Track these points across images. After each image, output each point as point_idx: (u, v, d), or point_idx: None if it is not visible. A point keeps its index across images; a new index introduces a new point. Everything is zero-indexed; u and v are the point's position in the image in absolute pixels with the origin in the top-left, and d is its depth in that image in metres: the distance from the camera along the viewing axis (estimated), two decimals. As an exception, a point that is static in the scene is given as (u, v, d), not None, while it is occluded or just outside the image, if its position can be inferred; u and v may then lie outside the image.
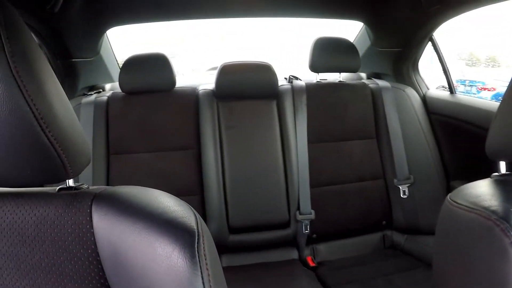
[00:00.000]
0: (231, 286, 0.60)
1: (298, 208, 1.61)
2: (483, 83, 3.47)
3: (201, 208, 1.58)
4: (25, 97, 0.45)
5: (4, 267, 0.50)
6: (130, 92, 1.63)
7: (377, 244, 1.72)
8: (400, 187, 1.69)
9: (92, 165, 1.54)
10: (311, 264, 1.59)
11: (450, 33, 1.90)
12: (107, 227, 0.49)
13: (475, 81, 3.50)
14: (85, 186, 0.56)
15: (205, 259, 0.47)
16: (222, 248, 1.59)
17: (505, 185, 0.65)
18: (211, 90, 1.70)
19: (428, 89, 1.91)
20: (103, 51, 1.82)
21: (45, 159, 0.49)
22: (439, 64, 1.81)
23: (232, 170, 1.60)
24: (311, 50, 1.71)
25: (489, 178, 0.69)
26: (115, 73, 1.67)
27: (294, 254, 1.65)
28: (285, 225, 1.63)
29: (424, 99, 1.82)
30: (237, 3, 1.71)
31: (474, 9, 1.50)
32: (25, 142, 0.47)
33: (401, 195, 1.69)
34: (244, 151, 1.62)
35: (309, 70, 1.75)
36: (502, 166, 0.69)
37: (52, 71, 0.51)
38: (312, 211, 1.61)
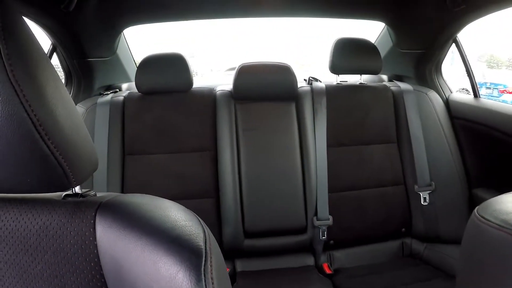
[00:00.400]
0: None
1: (316, 214, 1.57)
2: (505, 85, 3.37)
3: (216, 212, 1.56)
4: (22, 102, 0.42)
5: (6, 275, 0.49)
6: (147, 92, 1.61)
7: (395, 252, 1.67)
8: (421, 194, 1.64)
9: (106, 165, 1.53)
10: (328, 271, 1.55)
11: (471, 34, 1.84)
12: (110, 241, 0.47)
13: (496, 83, 3.41)
14: (92, 192, 0.54)
15: (212, 283, 0.43)
16: (237, 252, 1.57)
17: None
18: (228, 91, 1.67)
19: (451, 92, 1.85)
20: (119, 51, 1.81)
21: (46, 167, 0.46)
22: (459, 66, 1.76)
23: (248, 173, 1.58)
24: (331, 51, 1.67)
25: None
26: (133, 72, 1.66)
27: (310, 261, 1.61)
28: (301, 230, 1.59)
29: (447, 103, 1.76)
30: (257, 3, 1.67)
31: (501, 10, 1.44)
32: (23, 150, 0.44)
33: (422, 202, 1.63)
34: (262, 154, 1.59)
35: (329, 72, 1.71)
36: None
37: (56, 73, 0.48)
38: (330, 217, 1.57)
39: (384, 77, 1.99)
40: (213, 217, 1.55)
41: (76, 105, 1.63)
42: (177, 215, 0.50)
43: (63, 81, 1.75)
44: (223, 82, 1.78)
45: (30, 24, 1.39)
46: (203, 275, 0.43)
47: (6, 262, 0.49)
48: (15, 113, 0.42)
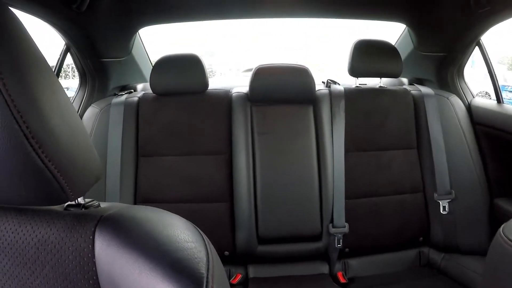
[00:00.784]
0: None
1: (332, 221, 1.54)
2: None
3: (230, 216, 1.53)
4: (12, 113, 0.39)
5: (5, 287, 0.47)
6: (161, 93, 1.59)
7: (412, 262, 1.63)
8: (440, 202, 1.58)
9: (120, 167, 1.52)
10: (342, 280, 1.52)
11: (491, 36, 1.77)
12: (109, 259, 0.44)
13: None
14: (95, 203, 0.51)
15: None
16: (250, 258, 1.55)
17: None
18: (245, 93, 1.64)
19: (473, 97, 1.79)
20: (135, 51, 1.80)
21: (40, 181, 0.43)
22: (479, 69, 1.70)
23: (264, 178, 1.55)
24: (351, 53, 1.63)
25: None
26: (148, 73, 1.65)
27: (324, 269, 1.58)
28: (316, 237, 1.56)
29: (469, 108, 1.71)
30: (275, 3, 1.64)
31: None
32: (17, 163, 0.42)
33: (441, 211, 1.58)
34: (278, 158, 1.56)
35: (348, 74, 1.67)
36: None
37: (54, 79, 0.45)
38: (346, 224, 1.53)
39: (404, 80, 1.94)
40: (226, 222, 1.53)
41: (90, 105, 1.62)
42: (180, 235, 0.46)
43: (77, 81, 1.74)
44: (239, 84, 1.75)
45: (42, 24, 1.38)
46: None
47: (5, 274, 0.47)
48: (6, 125, 0.39)
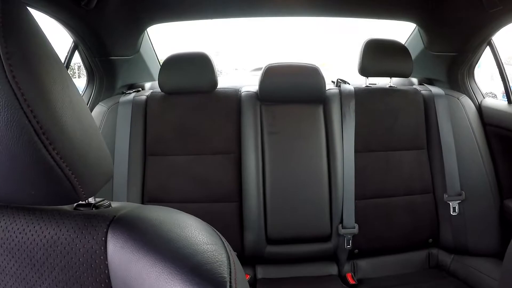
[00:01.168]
0: None
1: (341, 221, 1.52)
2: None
3: (239, 216, 1.52)
4: (23, 107, 0.37)
5: None
6: (170, 92, 1.58)
7: (421, 263, 1.61)
8: (450, 204, 1.57)
9: (127, 166, 1.50)
10: (351, 281, 1.50)
11: (499, 35, 1.76)
12: (122, 263, 0.42)
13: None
14: (106, 203, 0.49)
15: None
16: (258, 259, 1.53)
17: None
18: (254, 92, 1.63)
19: (483, 97, 1.78)
20: (143, 49, 1.78)
21: (51, 180, 0.41)
22: (486, 69, 1.68)
23: (273, 178, 1.53)
24: (361, 53, 1.61)
25: None
26: (156, 71, 1.64)
27: (333, 270, 1.57)
28: (326, 238, 1.55)
29: (480, 109, 1.69)
30: (284, 2, 1.62)
31: None
32: (26, 161, 0.40)
33: (451, 212, 1.57)
34: (287, 158, 1.54)
35: (358, 74, 1.66)
36: None
37: (66, 74, 0.43)
38: (356, 225, 1.52)
39: (414, 80, 1.92)
40: (235, 222, 1.52)
41: (98, 103, 1.61)
42: (198, 237, 0.44)
43: (84, 79, 1.73)
44: (249, 83, 1.73)
45: (50, 21, 1.37)
46: None
47: (12, 276, 0.45)
48: (15, 120, 0.37)
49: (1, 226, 0.46)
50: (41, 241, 0.44)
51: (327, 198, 1.54)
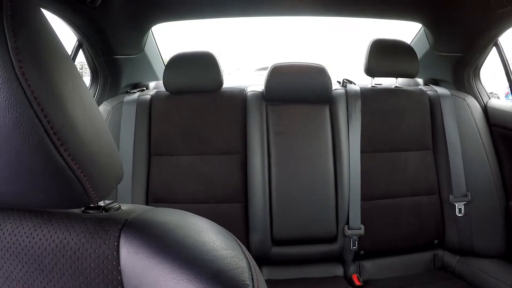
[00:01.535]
0: None
1: (347, 222, 1.51)
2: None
3: (244, 217, 1.51)
4: (32, 105, 0.35)
5: None
6: (175, 91, 1.57)
7: (426, 264, 1.61)
8: (456, 205, 1.56)
9: (132, 166, 1.49)
10: (357, 283, 1.49)
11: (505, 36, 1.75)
12: (137, 269, 0.40)
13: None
14: (115, 205, 0.47)
15: None
16: (264, 260, 1.52)
17: None
18: (260, 92, 1.62)
19: (489, 98, 1.77)
20: (147, 48, 1.77)
21: (61, 182, 0.39)
22: (488, 70, 1.68)
23: (279, 178, 1.52)
24: (367, 53, 1.60)
25: None
26: (160, 71, 1.63)
27: (339, 271, 1.56)
28: (332, 239, 1.54)
29: (485, 110, 1.68)
30: (287, 1, 1.61)
31: None
32: (35, 162, 0.38)
33: (456, 213, 1.56)
34: (293, 158, 1.53)
35: (364, 74, 1.64)
36: None
37: (76, 72, 0.41)
38: (362, 226, 1.51)
39: (420, 80, 1.91)
40: (240, 223, 1.51)
41: (102, 103, 1.60)
42: (216, 242, 0.42)
43: (88, 78, 1.72)
44: (254, 83, 1.72)
45: (55, 19, 1.35)
46: None
47: (19, 281, 0.43)
48: (25, 119, 0.36)
49: (7, 230, 0.44)
50: (49, 245, 0.43)
51: (333, 199, 1.53)
